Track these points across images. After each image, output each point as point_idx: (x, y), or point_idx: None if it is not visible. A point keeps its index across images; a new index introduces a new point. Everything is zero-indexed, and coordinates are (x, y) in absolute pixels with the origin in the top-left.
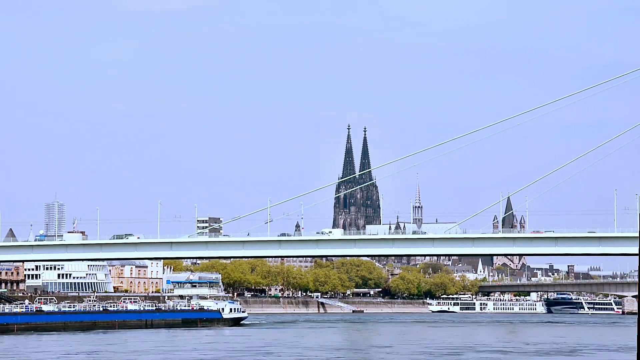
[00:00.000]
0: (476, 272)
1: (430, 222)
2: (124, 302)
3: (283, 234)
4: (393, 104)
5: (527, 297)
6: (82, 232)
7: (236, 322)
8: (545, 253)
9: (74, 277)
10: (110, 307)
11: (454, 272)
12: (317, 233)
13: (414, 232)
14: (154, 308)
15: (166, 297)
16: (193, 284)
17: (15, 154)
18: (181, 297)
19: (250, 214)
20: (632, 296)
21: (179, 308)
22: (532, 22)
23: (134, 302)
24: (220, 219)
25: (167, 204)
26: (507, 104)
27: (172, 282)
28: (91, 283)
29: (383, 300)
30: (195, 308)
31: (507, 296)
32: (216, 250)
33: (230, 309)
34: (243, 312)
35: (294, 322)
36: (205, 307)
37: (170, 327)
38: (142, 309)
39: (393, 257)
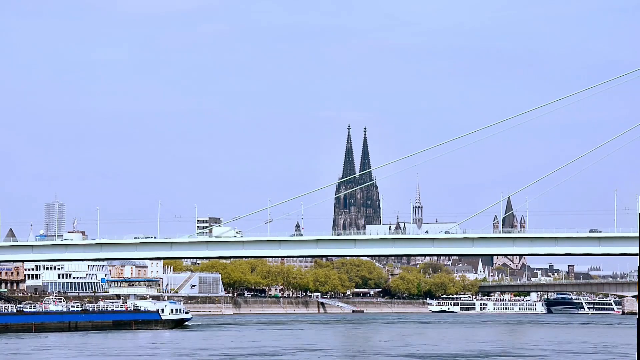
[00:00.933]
0: (476, 272)
1: (430, 222)
2: (45, 302)
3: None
4: (393, 104)
5: (527, 297)
6: (82, 232)
7: (178, 323)
8: (545, 253)
9: (74, 277)
10: (27, 307)
11: (454, 272)
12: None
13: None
14: (79, 309)
15: (99, 298)
16: (130, 283)
17: (15, 153)
18: (118, 296)
19: (250, 214)
20: (632, 296)
21: (110, 309)
22: (532, 21)
23: (58, 302)
24: (220, 219)
25: (167, 203)
26: (507, 104)
27: (107, 281)
28: (91, 283)
29: (383, 300)
30: (129, 309)
31: (507, 296)
32: (216, 250)
33: (171, 310)
34: (187, 312)
35: (245, 323)
36: (142, 308)
37: (98, 330)
38: (65, 309)
39: (393, 257)
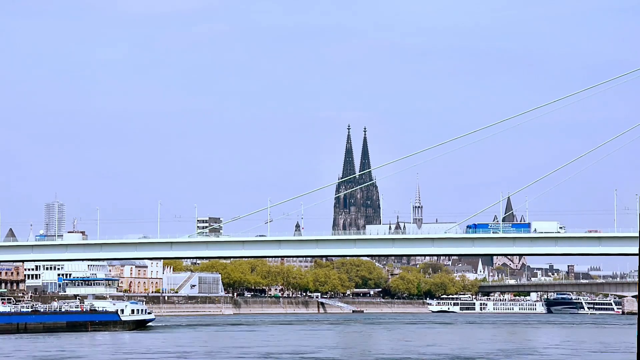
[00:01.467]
0: (476, 272)
1: (430, 222)
2: None
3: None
4: (393, 104)
5: (527, 297)
6: (82, 232)
7: (139, 325)
8: (545, 253)
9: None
10: None
11: (454, 272)
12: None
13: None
14: (29, 310)
15: (55, 298)
16: (88, 282)
17: (16, 153)
18: (76, 296)
19: (250, 214)
20: (632, 296)
21: (64, 309)
22: (532, 21)
23: (6, 302)
24: (220, 219)
25: (167, 203)
26: (507, 104)
27: (65, 280)
28: None
29: (383, 300)
30: (85, 309)
31: (507, 296)
32: (216, 250)
33: (132, 310)
34: (149, 313)
35: (208, 324)
36: (99, 308)
37: (51, 332)
38: (13, 310)
39: (393, 257)
